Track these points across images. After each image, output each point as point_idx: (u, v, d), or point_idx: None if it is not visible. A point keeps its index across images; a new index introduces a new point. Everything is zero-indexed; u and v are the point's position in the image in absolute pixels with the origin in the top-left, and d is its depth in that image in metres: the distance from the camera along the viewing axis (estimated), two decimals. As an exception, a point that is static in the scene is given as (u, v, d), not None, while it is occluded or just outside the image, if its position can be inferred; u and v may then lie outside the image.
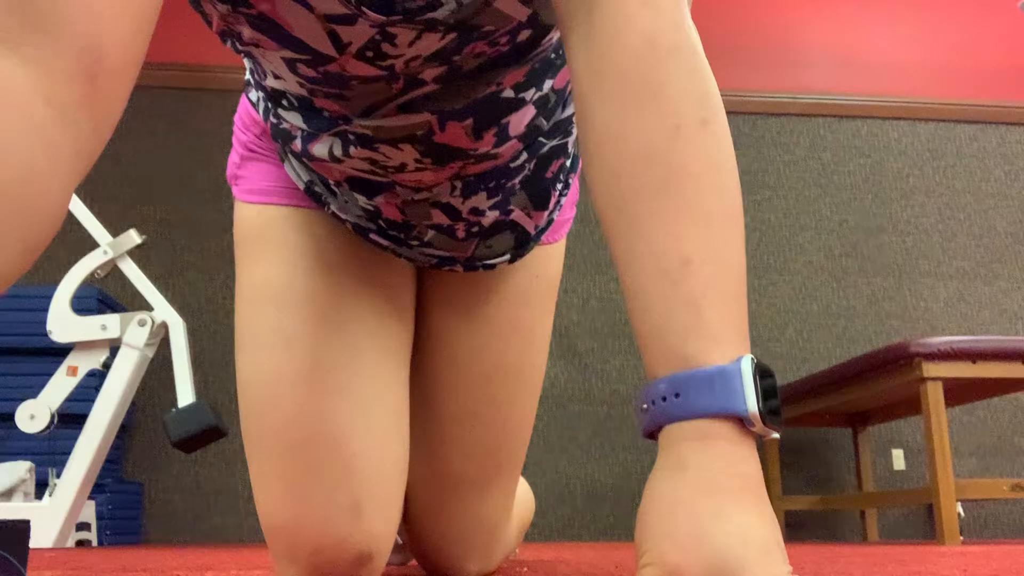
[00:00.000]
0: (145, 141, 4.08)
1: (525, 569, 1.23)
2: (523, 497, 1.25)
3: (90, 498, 2.87)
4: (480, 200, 0.90)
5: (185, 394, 2.50)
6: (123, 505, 3.24)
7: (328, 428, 0.89)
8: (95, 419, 2.49)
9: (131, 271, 2.58)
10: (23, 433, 2.45)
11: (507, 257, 0.98)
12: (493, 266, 0.98)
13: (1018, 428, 4.16)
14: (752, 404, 0.48)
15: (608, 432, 3.95)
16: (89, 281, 2.61)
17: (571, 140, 0.94)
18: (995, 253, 4.40)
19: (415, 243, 0.94)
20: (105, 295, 3.26)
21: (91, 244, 2.59)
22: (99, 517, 3.01)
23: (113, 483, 3.16)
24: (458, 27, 0.72)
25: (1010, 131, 4.58)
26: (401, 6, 0.69)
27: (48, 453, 2.85)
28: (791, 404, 3.51)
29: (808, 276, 4.26)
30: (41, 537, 2.37)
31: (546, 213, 0.97)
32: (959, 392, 3.07)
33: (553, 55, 0.83)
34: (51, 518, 2.39)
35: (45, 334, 2.51)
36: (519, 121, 0.85)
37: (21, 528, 0.64)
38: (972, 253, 4.38)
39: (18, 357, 3.06)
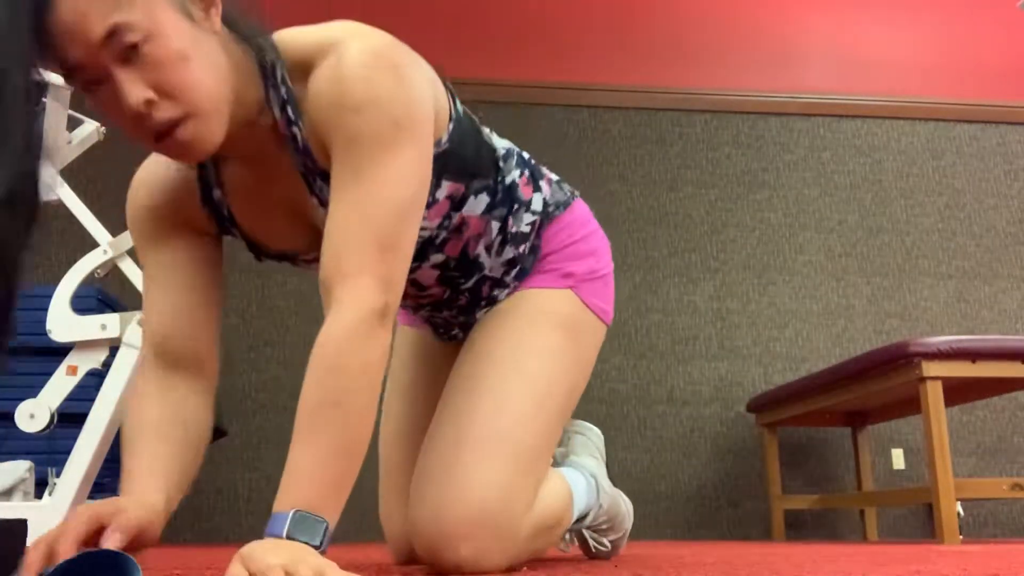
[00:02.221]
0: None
1: (525, 568, 1.23)
2: (548, 509, 1.27)
3: (90, 498, 2.87)
4: (444, 311, 1.37)
5: (185, 394, 2.50)
6: (123, 505, 3.23)
7: (395, 468, 1.41)
8: (95, 419, 2.49)
9: (131, 271, 2.58)
10: (23, 433, 2.45)
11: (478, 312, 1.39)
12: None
13: (1017, 428, 4.16)
14: (283, 531, 0.86)
15: (607, 431, 3.95)
16: (89, 281, 2.61)
17: (490, 271, 1.30)
18: (995, 253, 4.40)
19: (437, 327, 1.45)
20: (105, 294, 3.26)
21: (91, 244, 2.59)
22: (99, 517, 3.01)
23: (113, 483, 3.16)
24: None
25: (1010, 131, 4.58)
26: (274, 252, 1.22)
27: (48, 452, 2.85)
28: (791, 404, 3.51)
29: (808, 276, 4.26)
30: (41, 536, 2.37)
31: (484, 297, 1.33)
32: (959, 392, 3.07)
33: (427, 247, 1.22)
34: (51, 517, 2.39)
35: (45, 334, 2.50)
36: (427, 276, 1.27)
37: (19, 527, 0.64)
38: (972, 253, 4.38)
39: (18, 357, 3.06)
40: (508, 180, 1.25)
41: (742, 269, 4.23)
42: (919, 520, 4.02)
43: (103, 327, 2.49)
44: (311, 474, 0.89)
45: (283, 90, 1.04)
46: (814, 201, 4.36)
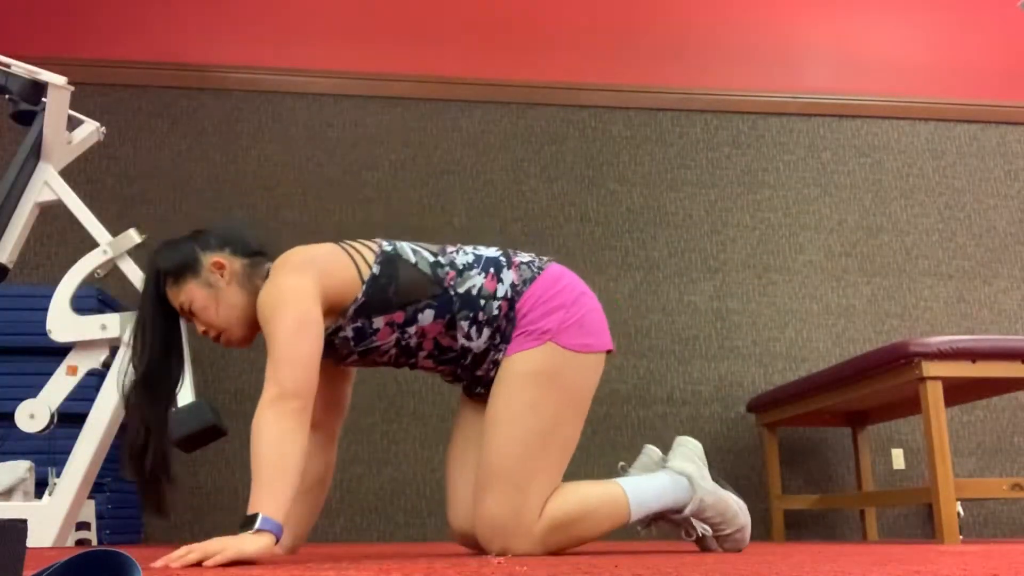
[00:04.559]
0: (145, 141, 4.08)
1: (524, 568, 1.23)
2: (561, 512, 1.72)
3: (90, 498, 2.87)
4: (466, 377, 1.90)
5: (185, 393, 2.50)
6: (123, 504, 3.24)
7: (451, 482, 1.93)
8: (95, 419, 2.49)
9: (131, 270, 2.58)
10: (23, 432, 2.45)
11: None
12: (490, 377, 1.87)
13: (1017, 428, 4.16)
14: (256, 525, 1.43)
15: (608, 432, 3.95)
16: (89, 281, 2.61)
17: (477, 348, 1.80)
18: (995, 253, 4.40)
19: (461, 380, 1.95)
20: (105, 294, 3.26)
21: (91, 244, 2.59)
22: (99, 516, 3.01)
23: (113, 482, 3.16)
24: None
25: (1010, 131, 4.58)
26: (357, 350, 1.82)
27: (48, 452, 2.85)
28: (791, 404, 3.51)
29: (808, 276, 4.26)
30: (41, 536, 2.37)
31: (484, 362, 1.83)
32: (959, 392, 3.07)
33: (410, 350, 1.81)
34: (51, 517, 2.39)
35: (45, 334, 2.50)
36: (427, 364, 1.85)
37: (19, 527, 0.64)
38: (972, 253, 4.39)
39: (18, 357, 3.06)
40: (463, 289, 1.76)
41: (742, 269, 4.23)
42: (919, 520, 4.02)
43: (103, 327, 2.49)
44: (252, 494, 1.52)
45: None
46: (814, 201, 4.36)
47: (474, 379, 1.88)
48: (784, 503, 3.66)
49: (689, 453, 1.90)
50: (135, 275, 2.57)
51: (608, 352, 1.86)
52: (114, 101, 4.10)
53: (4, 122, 3.78)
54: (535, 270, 1.83)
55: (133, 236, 2.58)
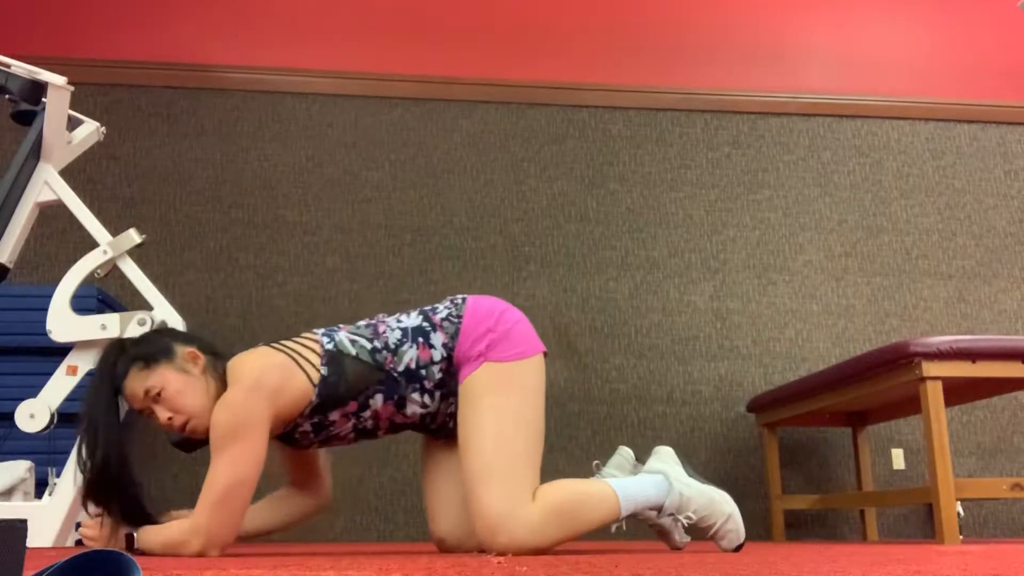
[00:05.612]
0: (145, 140, 4.08)
1: (525, 569, 1.23)
2: (553, 500, 1.77)
3: (90, 498, 2.86)
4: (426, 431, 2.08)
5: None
6: (123, 505, 3.23)
7: (430, 495, 2.08)
8: (95, 419, 2.48)
9: (131, 270, 2.58)
10: (23, 432, 2.45)
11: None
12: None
13: (1017, 428, 4.16)
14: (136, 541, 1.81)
15: (608, 431, 3.95)
16: (89, 281, 2.60)
17: (435, 409, 1.95)
18: (995, 253, 4.40)
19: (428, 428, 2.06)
20: (105, 294, 3.26)
21: (91, 244, 2.59)
22: (99, 517, 3.00)
23: (113, 483, 3.16)
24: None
25: (1010, 131, 4.58)
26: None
27: (48, 452, 2.85)
28: (791, 404, 3.51)
29: (808, 276, 4.26)
30: (41, 536, 2.37)
31: (441, 416, 1.97)
32: (959, 392, 3.07)
33: (367, 431, 1.96)
34: (51, 517, 2.39)
35: (45, 334, 2.50)
36: (387, 433, 1.98)
37: (19, 527, 0.64)
38: (972, 253, 4.38)
39: (18, 357, 3.06)
40: (402, 367, 1.88)
41: (742, 269, 4.23)
42: (919, 520, 4.02)
43: (103, 327, 2.49)
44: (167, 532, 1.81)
45: None
46: (814, 201, 4.36)
47: (436, 428, 2.01)
48: (784, 503, 3.66)
49: (663, 456, 1.99)
50: (135, 275, 2.56)
51: (545, 354, 1.96)
52: (114, 101, 4.10)
53: (4, 122, 3.78)
54: (456, 322, 1.93)
55: (133, 236, 2.58)
